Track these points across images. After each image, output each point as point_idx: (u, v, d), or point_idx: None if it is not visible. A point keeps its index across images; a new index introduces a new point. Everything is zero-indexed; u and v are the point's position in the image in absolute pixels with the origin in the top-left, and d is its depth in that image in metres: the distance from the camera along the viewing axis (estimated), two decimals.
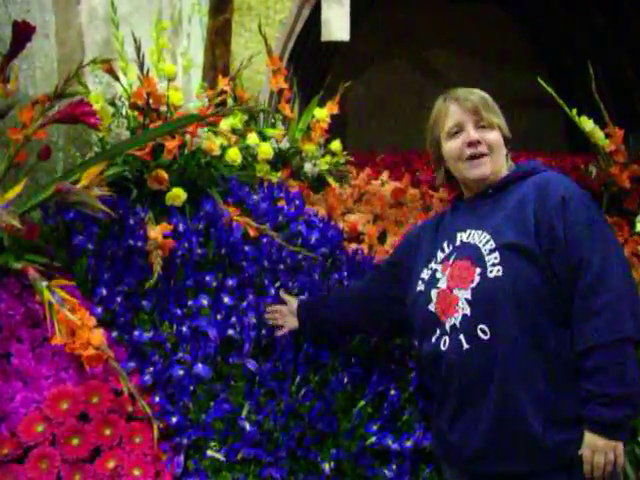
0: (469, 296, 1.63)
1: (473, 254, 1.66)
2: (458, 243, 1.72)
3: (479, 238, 1.67)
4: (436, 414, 1.75)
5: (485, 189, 1.74)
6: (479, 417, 1.62)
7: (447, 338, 1.65)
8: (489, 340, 1.59)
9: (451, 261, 1.70)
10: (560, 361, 1.58)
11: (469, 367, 1.62)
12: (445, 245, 1.75)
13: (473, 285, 1.63)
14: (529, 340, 1.58)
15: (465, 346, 1.62)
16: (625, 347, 1.54)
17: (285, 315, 2.04)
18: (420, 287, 1.75)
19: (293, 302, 2.06)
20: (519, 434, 1.57)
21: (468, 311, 1.62)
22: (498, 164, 1.74)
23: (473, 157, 1.72)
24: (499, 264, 1.61)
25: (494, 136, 1.73)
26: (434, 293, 1.70)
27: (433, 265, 1.75)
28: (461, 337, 1.63)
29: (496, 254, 1.62)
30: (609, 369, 1.53)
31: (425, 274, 1.76)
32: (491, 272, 1.61)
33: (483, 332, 1.60)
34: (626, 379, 1.53)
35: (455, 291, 1.66)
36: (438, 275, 1.72)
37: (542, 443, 1.56)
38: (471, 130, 1.72)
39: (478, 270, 1.63)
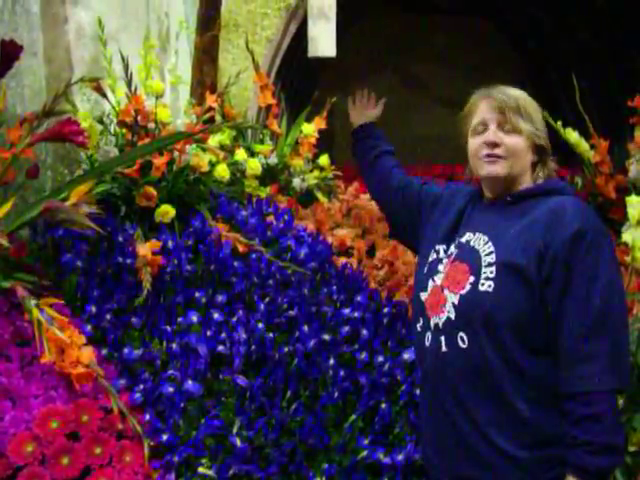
0: (456, 301, 1.62)
1: (472, 260, 1.64)
2: (464, 242, 1.69)
3: (483, 246, 1.64)
4: (419, 416, 1.76)
5: (503, 196, 1.71)
6: (452, 423, 1.61)
7: (430, 335, 1.66)
8: (466, 349, 1.59)
9: (452, 258, 1.69)
10: (533, 384, 1.56)
11: (444, 370, 1.62)
12: (457, 238, 1.72)
13: (463, 292, 1.62)
14: (501, 361, 1.56)
15: (444, 349, 1.62)
16: (614, 397, 1.54)
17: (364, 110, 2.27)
18: (425, 269, 1.74)
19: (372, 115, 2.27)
20: (487, 448, 1.57)
21: (452, 315, 1.62)
22: (516, 169, 1.68)
23: (488, 156, 1.69)
24: (492, 280, 1.59)
25: (515, 141, 1.67)
26: (430, 285, 1.70)
27: (441, 253, 1.73)
28: (442, 339, 1.62)
29: (492, 269, 1.60)
30: (601, 418, 1.50)
31: (432, 257, 1.74)
32: (482, 285, 1.59)
33: (462, 340, 1.60)
34: (615, 429, 1.52)
35: (445, 291, 1.65)
36: (440, 267, 1.70)
37: (513, 460, 1.55)
38: (492, 130, 1.68)
39: (472, 279, 1.61)
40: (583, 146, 3.37)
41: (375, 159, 2.17)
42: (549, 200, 1.66)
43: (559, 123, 3.29)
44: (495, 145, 1.68)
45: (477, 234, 1.68)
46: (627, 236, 2.14)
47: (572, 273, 1.54)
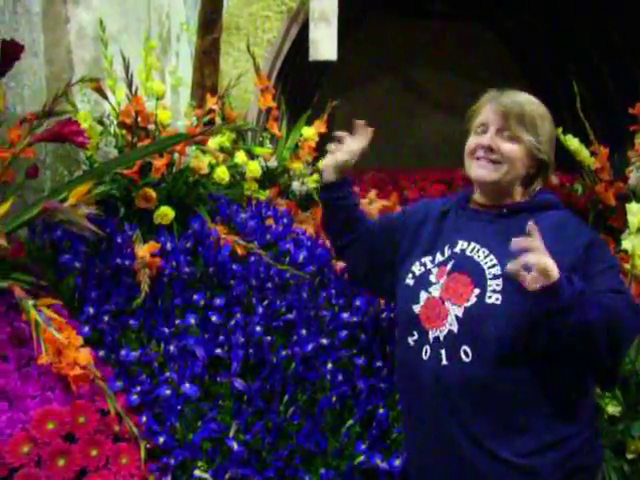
0: (460, 314, 1.60)
1: (474, 272, 1.62)
2: (458, 251, 1.67)
3: (484, 258, 1.63)
4: (404, 425, 1.75)
5: (496, 206, 1.70)
6: (449, 437, 1.60)
7: (428, 348, 1.63)
8: (470, 363, 1.57)
9: (448, 268, 1.66)
10: (536, 392, 1.56)
11: (443, 384, 1.60)
12: (446, 248, 1.69)
13: (467, 304, 1.60)
14: (507, 373, 1.56)
15: (444, 362, 1.60)
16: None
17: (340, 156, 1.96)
18: (409, 281, 1.71)
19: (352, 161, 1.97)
20: (487, 460, 1.56)
21: (455, 328, 1.60)
22: (507, 178, 1.67)
23: (480, 159, 1.69)
24: (500, 292, 1.57)
25: (511, 148, 1.66)
26: (423, 296, 1.67)
27: (429, 264, 1.70)
28: (442, 352, 1.61)
29: (499, 281, 1.58)
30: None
31: (417, 268, 1.71)
32: (489, 298, 1.58)
33: (465, 354, 1.58)
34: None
35: (447, 304, 1.62)
36: (432, 278, 1.68)
37: (514, 468, 1.55)
38: (490, 134, 1.67)
39: (477, 291, 1.60)
40: (583, 153, 3.37)
41: (350, 222, 1.99)
42: (546, 214, 1.66)
43: (559, 130, 3.29)
44: (490, 150, 1.67)
45: (473, 244, 1.66)
46: (627, 243, 2.14)
47: (590, 271, 1.57)
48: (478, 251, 1.65)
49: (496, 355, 1.56)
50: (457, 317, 1.60)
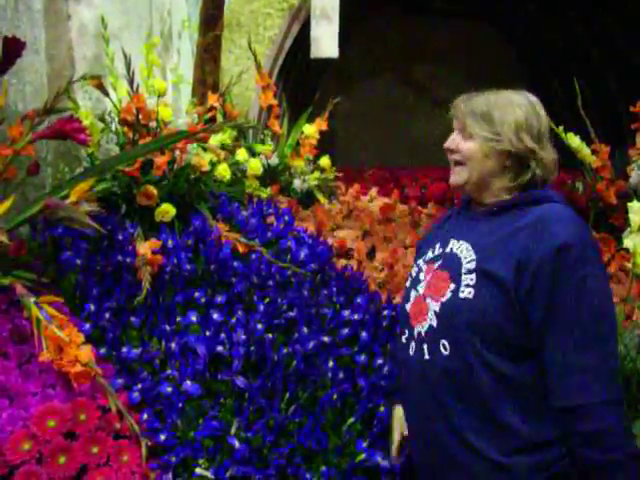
0: (437, 309, 1.62)
1: (453, 268, 1.63)
2: (448, 250, 1.68)
3: (466, 253, 1.63)
4: (405, 420, 1.75)
5: (490, 204, 1.68)
6: (434, 433, 1.60)
7: (413, 344, 1.65)
8: (448, 356, 1.58)
9: (435, 266, 1.68)
10: (515, 390, 1.54)
11: (427, 378, 1.61)
12: (438, 246, 1.71)
13: (444, 299, 1.61)
14: (482, 368, 1.54)
15: (426, 356, 1.61)
16: (609, 408, 1.50)
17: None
18: (407, 283, 1.75)
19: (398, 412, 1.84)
20: (469, 455, 1.55)
21: (435, 323, 1.61)
22: (474, 176, 1.66)
23: (451, 163, 1.72)
24: (472, 287, 1.57)
25: (468, 146, 1.66)
26: (413, 295, 1.70)
27: (421, 264, 1.73)
28: (424, 347, 1.62)
29: (473, 276, 1.58)
30: (601, 435, 1.48)
31: (413, 270, 1.75)
32: (462, 292, 1.58)
33: (444, 347, 1.59)
34: (618, 441, 1.50)
35: (427, 300, 1.65)
36: (421, 277, 1.70)
37: (496, 466, 1.54)
38: (452, 136, 1.70)
39: (452, 286, 1.61)
40: (584, 151, 3.37)
41: None
42: (536, 209, 1.62)
43: (561, 128, 3.29)
44: (452, 151, 1.70)
45: (461, 241, 1.67)
46: (628, 242, 2.13)
47: (558, 289, 1.51)
48: (462, 248, 1.66)
49: (470, 349, 1.55)
50: (435, 312, 1.62)
